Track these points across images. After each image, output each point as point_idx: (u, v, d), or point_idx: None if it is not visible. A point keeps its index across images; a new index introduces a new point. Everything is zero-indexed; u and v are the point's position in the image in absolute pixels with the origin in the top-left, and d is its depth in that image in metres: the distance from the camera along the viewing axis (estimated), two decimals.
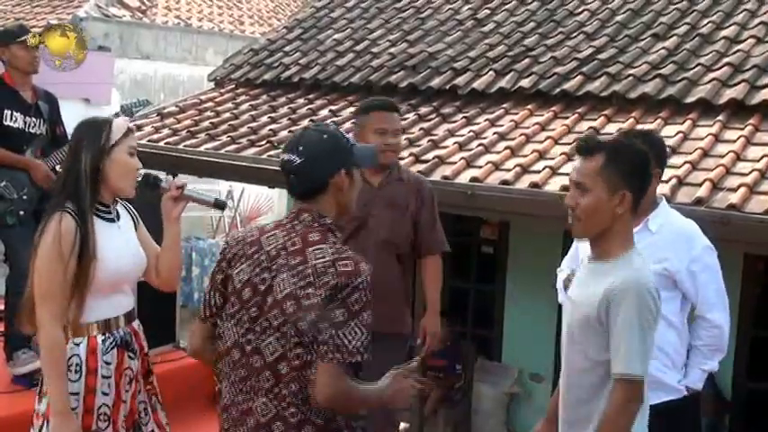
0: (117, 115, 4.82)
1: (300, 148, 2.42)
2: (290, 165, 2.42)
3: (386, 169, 4.09)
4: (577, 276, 2.90)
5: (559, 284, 3.85)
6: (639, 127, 5.87)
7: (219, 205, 3.19)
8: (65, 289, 2.82)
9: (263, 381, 2.39)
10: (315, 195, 2.44)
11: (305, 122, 7.14)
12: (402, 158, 6.03)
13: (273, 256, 2.41)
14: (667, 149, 3.96)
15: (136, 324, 3.06)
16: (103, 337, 2.90)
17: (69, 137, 4.78)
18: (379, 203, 4.04)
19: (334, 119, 7.13)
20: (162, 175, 3.21)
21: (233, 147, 6.91)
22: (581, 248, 3.77)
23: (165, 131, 7.57)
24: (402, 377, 2.50)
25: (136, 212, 3.16)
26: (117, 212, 3.05)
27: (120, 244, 2.95)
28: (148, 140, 7.24)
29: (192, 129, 7.52)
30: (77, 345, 2.87)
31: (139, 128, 7.47)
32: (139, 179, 3.03)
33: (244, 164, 6.71)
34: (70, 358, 2.86)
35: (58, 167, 4.61)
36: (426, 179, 4.32)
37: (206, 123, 7.60)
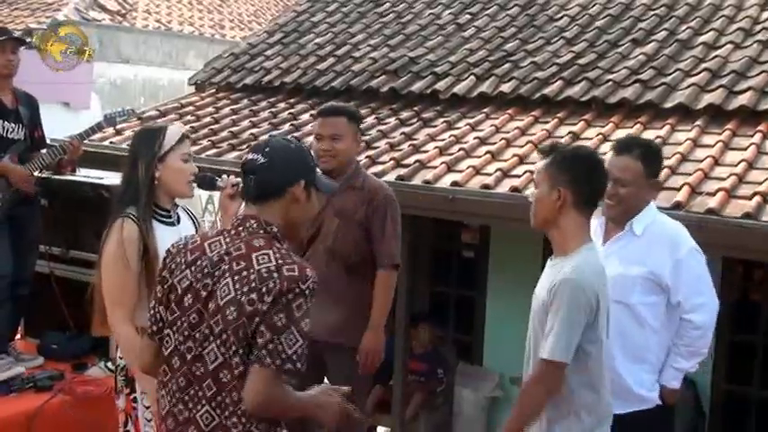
0: (100, 125, 4.82)
1: (267, 150, 2.41)
2: (253, 164, 2.40)
3: (341, 175, 4.03)
4: (543, 272, 3.03)
5: None
6: (619, 132, 5.91)
7: None
8: (134, 291, 2.93)
9: (206, 389, 2.33)
10: (268, 200, 2.40)
11: (286, 127, 7.14)
12: (383, 162, 6.05)
13: (216, 261, 2.35)
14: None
15: None
16: None
17: (48, 140, 4.78)
18: (330, 211, 4.00)
19: (315, 123, 7.12)
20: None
21: (213, 151, 6.89)
22: None
23: None
24: (329, 393, 2.46)
25: (196, 215, 3.27)
26: (178, 216, 3.16)
27: None
28: (128, 144, 7.19)
29: None
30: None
31: (119, 132, 7.44)
32: (193, 178, 3.14)
33: (224, 168, 6.69)
34: None
35: (36, 173, 4.59)
36: (387, 188, 4.17)
37: (186, 127, 7.57)
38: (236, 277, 2.29)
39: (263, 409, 2.28)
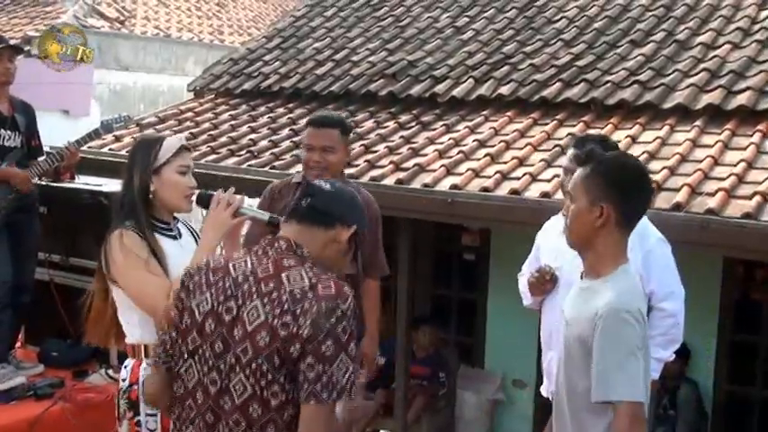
0: (97, 132, 4.80)
1: (337, 185, 2.33)
2: (319, 187, 2.29)
3: None
4: (572, 294, 2.79)
5: (522, 288, 3.89)
6: (619, 133, 5.90)
7: (273, 223, 2.91)
8: (162, 276, 2.78)
9: (234, 425, 2.14)
10: (312, 225, 2.24)
11: (285, 132, 7.14)
12: (382, 166, 6.05)
13: (240, 282, 2.18)
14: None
15: None
16: None
17: (45, 148, 4.78)
18: None
19: (305, 131, 7.11)
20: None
21: (213, 157, 6.88)
22: (542, 251, 3.83)
23: None
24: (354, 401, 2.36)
25: (197, 231, 3.13)
26: (179, 230, 3.06)
27: (185, 261, 2.84)
28: (127, 152, 7.19)
29: None
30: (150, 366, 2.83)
31: (119, 139, 7.44)
32: (191, 192, 2.99)
33: (223, 174, 6.69)
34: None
35: (35, 180, 4.59)
36: (374, 201, 4.15)
37: (185, 134, 7.56)
38: (265, 299, 2.12)
39: None
